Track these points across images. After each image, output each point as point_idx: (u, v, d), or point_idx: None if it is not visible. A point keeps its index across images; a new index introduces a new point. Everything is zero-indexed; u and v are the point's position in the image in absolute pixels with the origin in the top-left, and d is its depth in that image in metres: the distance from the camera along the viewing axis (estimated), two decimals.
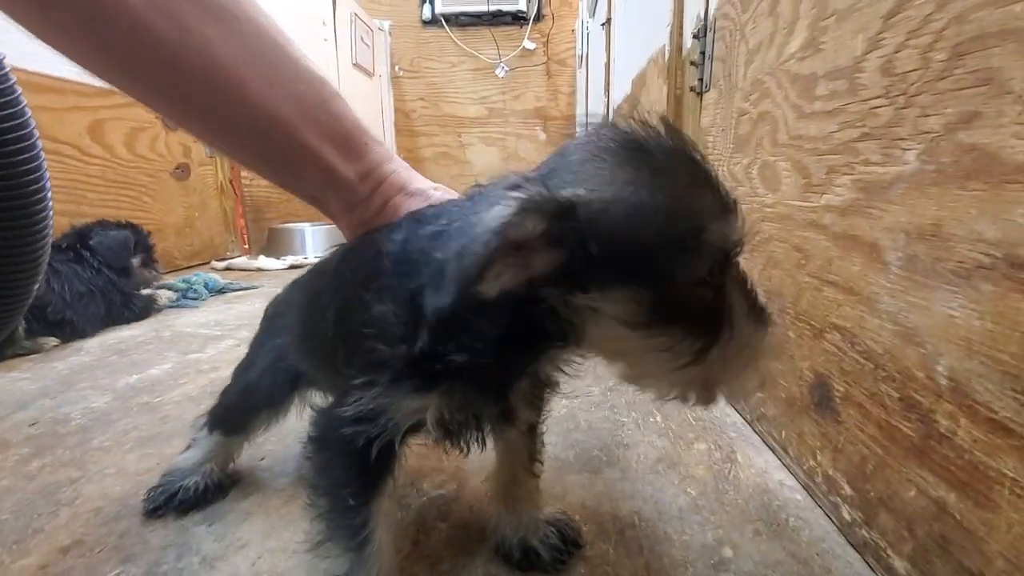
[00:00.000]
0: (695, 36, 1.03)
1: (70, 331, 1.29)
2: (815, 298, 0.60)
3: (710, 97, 0.98)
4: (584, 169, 0.31)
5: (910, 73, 0.45)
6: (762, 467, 0.67)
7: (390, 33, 4.64)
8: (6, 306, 0.75)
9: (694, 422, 0.80)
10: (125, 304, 1.46)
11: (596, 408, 0.84)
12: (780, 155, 0.68)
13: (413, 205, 0.47)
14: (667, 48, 1.21)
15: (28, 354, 1.18)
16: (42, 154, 0.71)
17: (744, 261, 0.64)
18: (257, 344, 0.59)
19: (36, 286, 0.78)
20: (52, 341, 1.24)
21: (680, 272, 0.30)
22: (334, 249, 0.48)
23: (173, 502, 0.58)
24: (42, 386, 0.97)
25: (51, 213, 0.74)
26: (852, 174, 0.53)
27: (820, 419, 0.59)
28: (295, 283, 0.57)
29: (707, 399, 0.35)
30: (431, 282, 0.31)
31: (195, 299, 1.73)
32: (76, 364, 1.11)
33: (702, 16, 1.02)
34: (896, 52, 0.47)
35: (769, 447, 0.71)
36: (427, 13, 4.54)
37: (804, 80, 0.63)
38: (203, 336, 1.31)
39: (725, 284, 0.33)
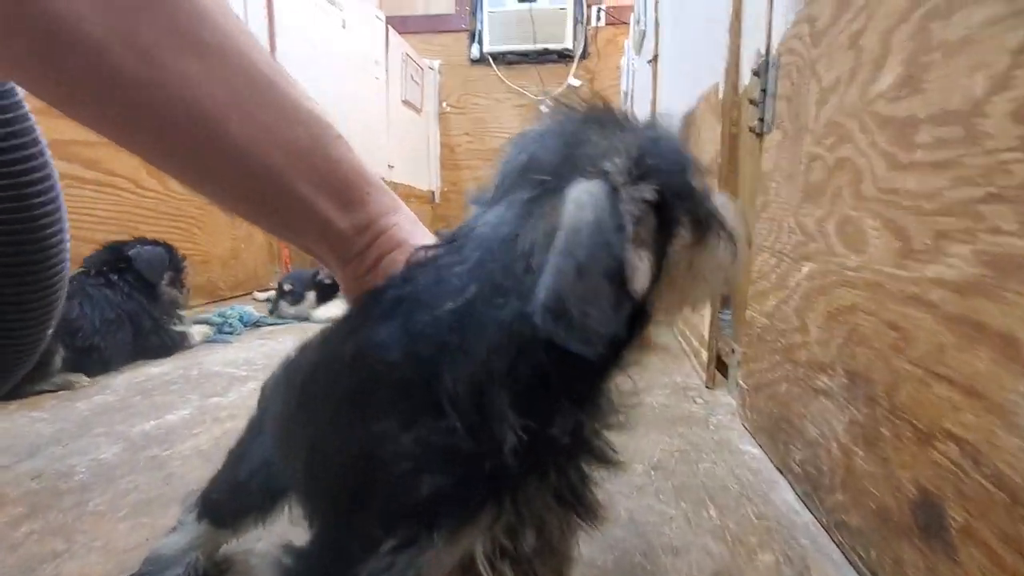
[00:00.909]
0: (755, 73, 0.94)
1: (97, 358, 1.28)
2: (920, 393, 0.48)
3: (772, 139, 0.88)
4: (591, 150, 0.29)
5: None
6: None
7: (439, 71, 4.77)
8: (15, 352, 0.72)
9: (756, 520, 0.67)
10: (155, 332, 1.44)
11: (639, 494, 0.73)
12: (866, 210, 0.58)
13: None
14: (722, 86, 1.13)
15: (57, 391, 1.18)
16: (60, 197, 0.69)
17: (819, 331, 0.62)
18: (252, 431, 0.52)
19: (49, 331, 0.76)
20: (84, 380, 1.23)
21: (694, 173, 0.31)
22: (292, 357, 0.39)
23: None
24: (58, 429, 0.95)
25: (67, 255, 0.72)
26: (973, 243, 0.42)
27: (927, 550, 0.46)
28: (286, 368, 0.42)
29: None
30: (564, 331, 0.25)
31: (230, 333, 1.73)
32: (98, 405, 1.08)
33: (763, 52, 0.93)
34: None
35: (852, 565, 0.58)
36: (475, 52, 4.65)
37: (899, 124, 0.52)
38: (228, 377, 1.27)
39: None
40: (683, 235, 0.30)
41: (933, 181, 0.47)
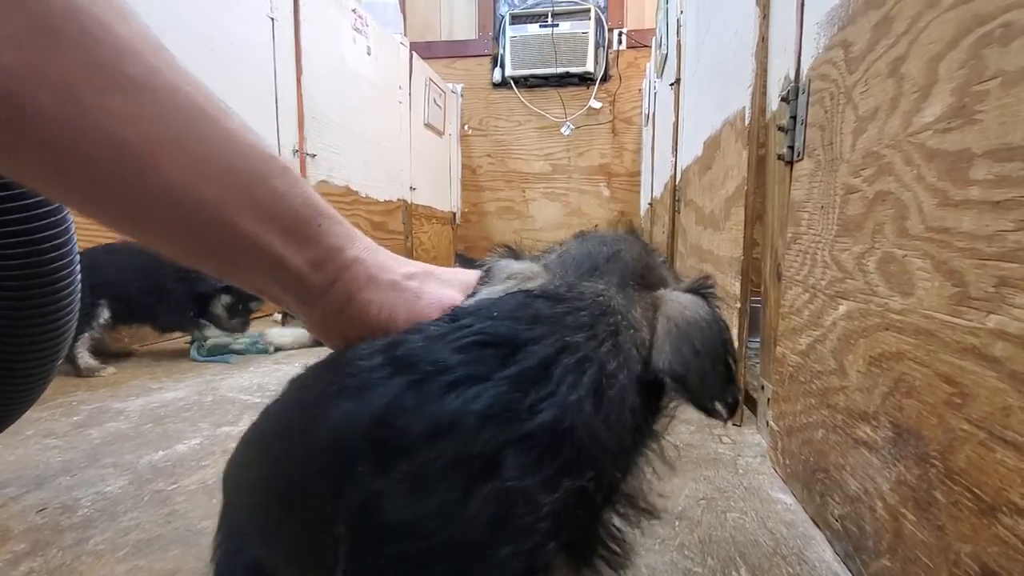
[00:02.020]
0: (783, 99, 0.91)
1: (124, 309, 1.54)
2: (981, 459, 0.43)
3: (804, 167, 0.84)
4: (657, 268, 0.45)
5: None
6: None
7: (462, 95, 4.84)
8: (25, 385, 0.72)
9: None
10: (167, 313, 1.64)
11: (662, 547, 0.68)
12: (913, 249, 0.53)
13: (388, 300, 0.37)
14: (747, 111, 1.09)
15: (85, 375, 1.44)
16: (73, 234, 0.69)
17: (860, 376, 0.62)
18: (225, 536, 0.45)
19: (58, 363, 0.75)
20: (110, 370, 1.47)
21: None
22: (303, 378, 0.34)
23: None
24: (68, 459, 0.94)
25: (77, 292, 0.71)
26: None
27: None
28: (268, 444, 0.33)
29: None
30: (685, 392, 0.36)
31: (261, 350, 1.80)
32: (111, 432, 1.08)
33: (792, 77, 0.90)
34: None
35: None
36: (497, 76, 4.71)
37: (949, 158, 0.48)
38: (241, 404, 1.26)
39: None
40: None
41: (992, 222, 0.42)
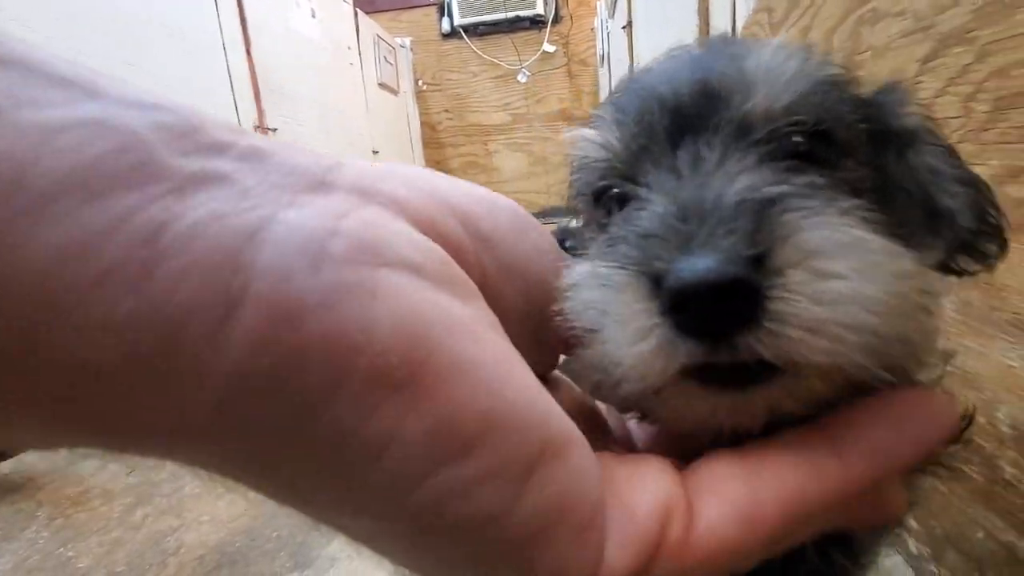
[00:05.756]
0: None
1: None
2: None
3: None
4: None
5: (951, 120, 0.46)
6: None
7: (411, 49, 4.74)
8: None
9: None
10: None
11: None
12: None
13: None
14: None
15: None
16: None
17: None
18: None
19: None
20: None
21: None
22: None
23: None
24: None
25: None
26: None
27: None
28: None
29: None
30: None
31: None
32: None
33: (729, 34, 1.02)
34: (936, 97, 0.47)
35: None
36: (446, 26, 4.62)
37: None
38: None
39: None
40: None
41: None
